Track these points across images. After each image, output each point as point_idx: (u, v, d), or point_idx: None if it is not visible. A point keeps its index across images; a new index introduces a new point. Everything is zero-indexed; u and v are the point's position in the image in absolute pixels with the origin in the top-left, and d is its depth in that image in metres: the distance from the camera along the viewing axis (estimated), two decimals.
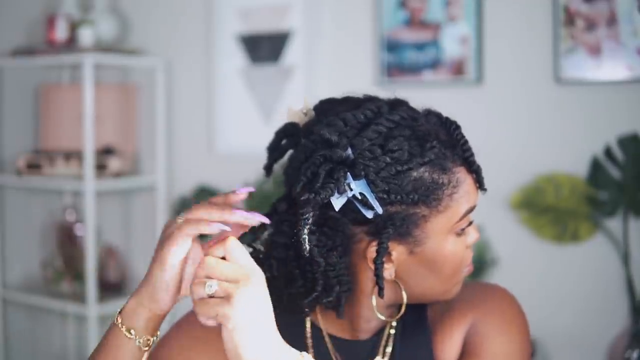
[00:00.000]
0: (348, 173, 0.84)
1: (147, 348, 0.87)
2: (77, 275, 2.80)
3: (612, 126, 2.12)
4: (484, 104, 2.29)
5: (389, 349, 0.98)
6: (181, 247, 0.83)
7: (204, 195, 2.73)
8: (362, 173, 0.85)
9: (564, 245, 2.19)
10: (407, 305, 0.99)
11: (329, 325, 0.99)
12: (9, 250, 3.03)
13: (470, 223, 0.94)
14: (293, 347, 0.83)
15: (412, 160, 0.86)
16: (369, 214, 0.85)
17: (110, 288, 2.84)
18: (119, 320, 0.87)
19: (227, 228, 0.83)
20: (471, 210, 0.92)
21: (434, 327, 0.98)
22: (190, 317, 1.01)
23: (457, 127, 0.92)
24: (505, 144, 2.25)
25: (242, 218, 0.85)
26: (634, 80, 2.09)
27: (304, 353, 0.82)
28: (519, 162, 2.23)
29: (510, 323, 0.96)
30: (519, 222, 2.23)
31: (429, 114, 0.93)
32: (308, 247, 0.84)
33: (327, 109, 0.95)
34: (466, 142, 0.91)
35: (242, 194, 0.85)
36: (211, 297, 0.79)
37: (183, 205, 2.77)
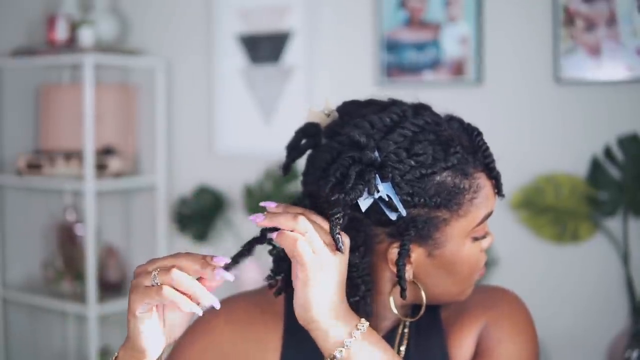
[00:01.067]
0: (377, 175, 0.85)
1: None
2: (78, 275, 2.80)
3: (611, 126, 2.12)
4: (484, 104, 2.29)
5: (403, 348, 0.99)
6: (149, 299, 0.81)
7: (204, 195, 2.74)
8: (390, 175, 0.86)
9: (564, 245, 2.19)
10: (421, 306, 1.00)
11: None
12: (9, 250, 3.04)
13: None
14: (310, 342, 0.86)
15: (436, 164, 0.88)
16: (393, 216, 0.86)
17: (111, 288, 2.84)
18: None
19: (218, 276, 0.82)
20: (489, 215, 0.94)
21: (448, 328, 1.00)
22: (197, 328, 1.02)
23: (479, 133, 0.94)
24: (505, 144, 2.25)
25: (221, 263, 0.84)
26: (634, 80, 2.09)
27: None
28: (519, 162, 2.23)
29: (521, 327, 0.99)
30: (519, 222, 2.24)
31: (451, 119, 0.95)
32: (342, 246, 0.85)
33: (351, 110, 0.96)
34: (487, 148, 0.94)
35: (219, 263, 0.83)
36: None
37: (183, 205, 2.77)
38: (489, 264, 2.25)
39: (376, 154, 0.86)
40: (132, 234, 2.99)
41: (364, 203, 0.84)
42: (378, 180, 0.85)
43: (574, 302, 2.20)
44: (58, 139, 2.95)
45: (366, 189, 0.84)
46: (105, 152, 2.78)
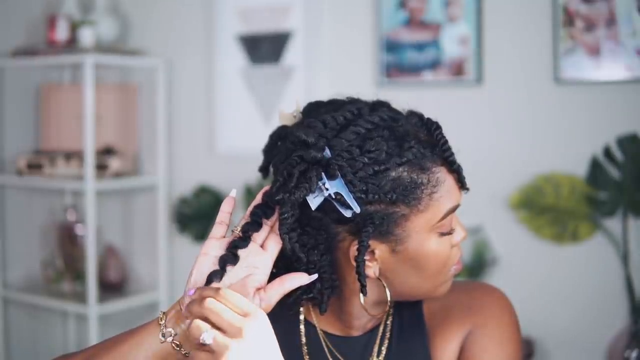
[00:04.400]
0: (323, 173, 0.86)
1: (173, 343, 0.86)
2: (78, 275, 2.81)
3: (611, 126, 2.12)
4: (484, 104, 2.29)
5: (384, 347, 0.99)
6: None
7: (204, 195, 2.74)
8: (337, 173, 0.86)
9: (564, 245, 2.19)
10: (404, 304, 1.00)
11: (322, 322, 1.01)
12: (9, 250, 3.04)
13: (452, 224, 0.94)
14: (287, 344, 0.86)
15: (389, 160, 0.87)
16: (348, 213, 0.87)
17: (111, 288, 2.84)
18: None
19: None
20: (454, 209, 0.92)
21: (432, 328, 0.99)
22: None
23: (438, 127, 0.93)
24: (504, 144, 2.25)
25: None
26: (633, 81, 2.09)
27: None
28: (519, 162, 2.23)
29: (506, 333, 0.98)
30: (518, 222, 2.24)
31: (411, 115, 0.94)
32: (289, 246, 0.87)
33: (312, 111, 0.97)
34: (446, 142, 0.92)
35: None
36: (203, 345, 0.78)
37: (184, 205, 2.77)
38: (489, 264, 2.25)
39: (327, 152, 0.87)
40: (132, 234, 2.99)
41: (314, 201, 0.86)
42: (325, 178, 0.85)
43: (574, 302, 2.20)
44: (58, 139, 2.95)
45: (310, 187, 0.84)
46: (105, 152, 2.78)
